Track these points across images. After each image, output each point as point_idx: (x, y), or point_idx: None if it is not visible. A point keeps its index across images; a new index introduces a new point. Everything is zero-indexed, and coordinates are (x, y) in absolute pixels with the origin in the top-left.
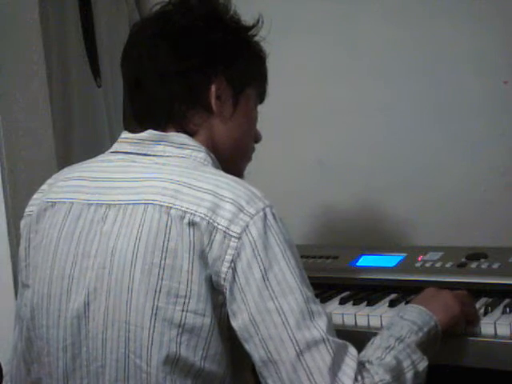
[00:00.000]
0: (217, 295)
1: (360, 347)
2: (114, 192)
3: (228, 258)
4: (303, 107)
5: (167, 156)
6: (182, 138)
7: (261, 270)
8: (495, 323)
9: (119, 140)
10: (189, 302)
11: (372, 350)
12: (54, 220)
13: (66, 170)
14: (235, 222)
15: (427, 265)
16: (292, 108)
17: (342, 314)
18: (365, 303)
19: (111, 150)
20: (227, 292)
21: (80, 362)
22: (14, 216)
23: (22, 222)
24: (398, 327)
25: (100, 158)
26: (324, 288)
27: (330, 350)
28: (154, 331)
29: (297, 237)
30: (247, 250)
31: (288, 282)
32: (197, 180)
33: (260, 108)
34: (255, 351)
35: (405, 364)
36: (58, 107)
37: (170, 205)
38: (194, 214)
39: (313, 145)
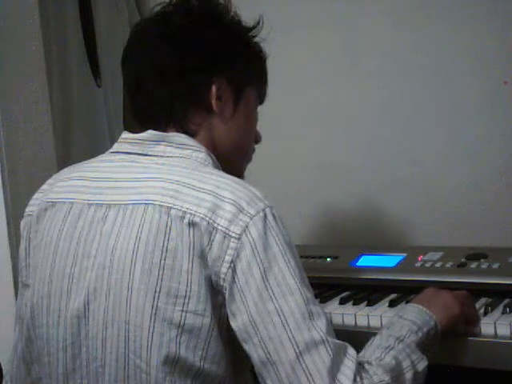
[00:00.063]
0: (216, 295)
1: (360, 347)
2: (115, 192)
3: (228, 258)
4: (303, 107)
5: (167, 156)
6: (182, 138)
7: (260, 271)
8: (495, 323)
9: (119, 140)
10: (188, 302)
11: (371, 350)
12: (54, 220)
13: (66, 169)
14: (235, 223)
15: (427, 265)
16: (292, 108)
17: (342, 314)
18: (365, 303)
19: (111, 150)
20: (227, 292)
21: (80, 362)
22: (14, 216)
23: (22, 222)
24: (398, 327)
25: (100, 158)
26: (324, 288)
27: (330, 351)
28: (153, 331)
29: (297, 237)
30: (247, 251)
31: (288, 283)
32: (197, 180)
33: (260, 108)
34: (254, 352)
35: (404, 364)
36: (58, 107)
37: (170, 205)
38: (194, 215)
39: (313, 145)
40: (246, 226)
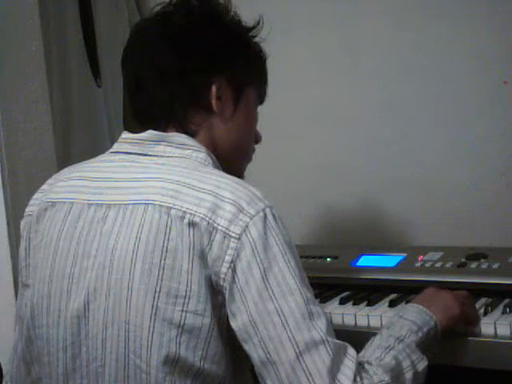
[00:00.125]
0: (216, 295)
1: (360, 347)
2: (115, 192)
3: (228, 258)
4: (303, 107)
5: (168, 156)
6: (182, 138)
7: (260, 271)
8: (495, 323)
9: (120, 140)
10: (188, 302)
11: (371, 350)
12: (54, 220)
13: (66, 169)
14: (235, 223)
15: (427, 265)
16: (292, 108)
17: (342, 314)
18: (365, 303)
19: (112, 150)
20: (227, 292)
21: (80, 362)
22: (14, 216)
23: (22, 222)
24: (398, 327)
25: (100, 158)
26: (324, 288)
27: (330, 351)
28: (153, 331)
29: (297, 237)
30: (247, 251)
31: (288, 283)
32: (197, 180)
33: (260, 108)
34: (254, 352)
35: (404, 364)
36: (58, 107)
37: (170, 205)
38: (194, 215)
39: (313, 145)
40: (246, 226)
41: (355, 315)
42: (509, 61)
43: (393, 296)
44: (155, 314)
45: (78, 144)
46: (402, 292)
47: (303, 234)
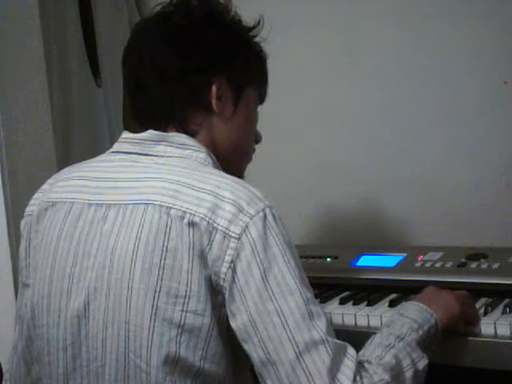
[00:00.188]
0: (216, 295)
1: (360, 347)
2: (115, 192)
3: (227, 258)
4: (303, 107)
5: (168, 156)
6: (182, 138)
7: (260, 271)
8: (495, 323)
9: (120, 140)
10: (188, 302)
11: (371, 349)
12: (54, 220)
13: (66, 169)
14: (235, 223)
15: (427, 265)
16: (292, 108)
17: (342, 314)
18: (365, 303)
19: (112, 149)
20: (226, 292)
21: (80, 362)
22: (14, 216)
23: (23, 222)
24: (398, 325)
25: (100, 157)
26: (324, 288)
27: (329, 351)
28: (153, 331)
29: (297, 237)
30: (247, 251)
31: (287, 283)
32: (197, 180)
33: (260, 108)
34: (254, 352)
35: (404, 363)
36: (58, 107)
37: (170, 205)
38: (194, 215)
39: (313, 145)
40: (246, 226)
41: (355, 315)
42: (509, 61)
43: (393, 296)
44: (155, 313)
45: (78, 144)
46: (402, 292)
47: (303, 233)
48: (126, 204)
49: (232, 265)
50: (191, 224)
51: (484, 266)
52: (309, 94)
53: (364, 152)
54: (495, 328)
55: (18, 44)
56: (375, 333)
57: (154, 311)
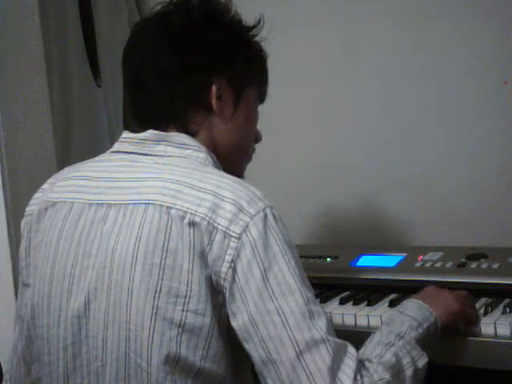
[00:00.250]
0: (217, 295)
1: (360, 347)
2: (115, 192)
3: (228, 258)
4: (303, 107)
5: (168, 156)
6: (182, 138)
7: (260, 270)
8: (495, 323)
9: (120, 140)
10: (189, 302)
11: (372, 347)
12: (54, 219)
13: (66, 169)
14: (235, 222)
15: (427, 265)
16: (292, 108)
17: (342, 314)
18: (365, 303)
19: (112, 149)
20: (227, 292)
21: (80, 362)
22: (14, 216)
23: (23, 222)
24: (398, 323)
25: (101, 157)
26: (324, 288)
27: (330, 350)
28: (154, 331)
29: (297, 237)
30: (247, 250)
31: (288, 283)
32: (197, 180)
33: (260, 108)
34: (255, 351)
35: (404, 361)
36: (58, 107)
37: (171, 205)
38: (195, 214)
39: (313, 145)
40: (247, 226)
41: (355, 315)
42: (509, 61)
43: (393, 296)
44: (156, 313)
45: (78, 144)
46: (402, 292)
47: (303, 233)
48: (126, 204)
49: (232, 264)
50: (192, 224)
51: (484, 265)
52: (309, 94)
53: (364, 152)
54: (495, 328)
55: (18, 44)
56: (375, 333)
57: (154, 311)
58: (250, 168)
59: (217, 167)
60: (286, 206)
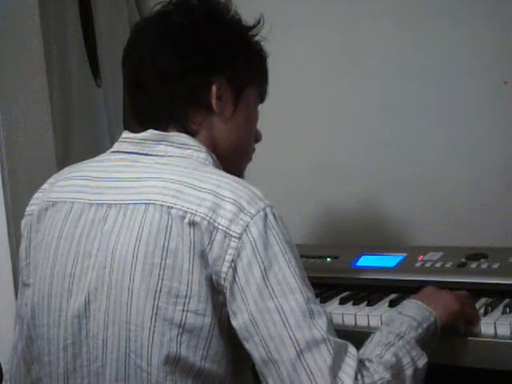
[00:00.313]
0: (217, 295)
1: (360, 347)
2: (115, 192)
3: (228, 257)
4: (303, 107)
5: (168, 156)
6: (183, 137)
7: (261, 270)
8: (495, 323)
9: (120, 140)
10: (189, 302)
11: (372, 347)
12: (54, 219)
13: (66, 169)
14: (236, 222)
15: (427, 265)
16: (292, 108)
17: (342, 314)
18: (365, 303)
19: (112, 149)
20: (227, 292)
21: (80, 362)
22: (14, 216)
23: (23, 222)
24: (398, 323)
25: (101, 157)
26: (324, 288)
27: (331, 350)
28: (154, 331)
29: (297, 237)
30: (247, 250)
31: (288, 282)
32: (198, 180)
33: (260, 107)
34: (255, 350)
35: (404, 361)
36: (58, 107)
37: (171, 205)
38: (195, 214)
39: (313, 145)
40: (247, 226)
41: (355, 315)
42: (509, 61)
43: (393, 296)
44: (156, 313)
45: (78, 144)
46: (402, 292)
47: (303, 233)
48: (126, 204)
49: (233, 264)
50: (192, 224)
51: (484, 265)
52: (309, 94)
53: (364, 152)
54: (495, 328)
55: (18, 44)
56: (375, 333)
57: (154, 311)
58: (250, 168)
59: (217, 167)
60: (286, 206)
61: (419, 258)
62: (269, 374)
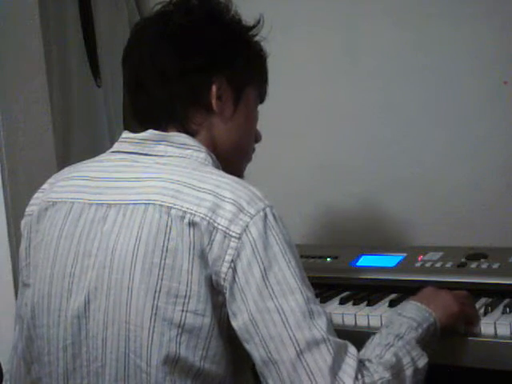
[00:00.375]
0: (217, 295)
1: (360, 347)
2: (115, 192)
3: (228, 258)
4: (303, 107)
5: (168, 156)
6: (182, 137)
7: (261, 270)
8: (495, 323)
9: (120, 140)
10: (188, 302)
11: (371, 348)
12: (54, 219)
13: (66, 169)
14: (235, 222)
15: (427, 265)
16: (292, 108)
17: (342, 314)
18: (365, 303)
19: (112, 149)
20: (227, 292)
21: (80, 362)
22: (14, 216)
23: (23, 222)
24: (397, 324)
25: (101, 157)
26: (324, 288)
27: (331, 350)
28: (153, 331)
29: (297, 237)
30: (247, 250)
31: (288, 282)
32: (197, 180)
33: (260, 108)
34: (256, 351)
35: (404, 361)
36: (58, 107)
37: (171, 205)
38: (195, 214)
39: (313, 145)
40: (247, 226)
41: (355, 315)
42: (509, 61)
43: (393, 296)
44: (155, 313)
45: (78, 144)
46: (401, 292)
47: (303, 233)
48: (126, 204)
49: (232, 264)
50: (192, 224)
51: (484, 265)
52: (309, 94)
53: (364, 152)
54: (495, 328)
55: (18, 44)
56: (375, 333)
57: (154, 311)
58: (250, 168)
59: (217, 167)
60: (286, 206)
61: (419, 258)
62: (269, 375)
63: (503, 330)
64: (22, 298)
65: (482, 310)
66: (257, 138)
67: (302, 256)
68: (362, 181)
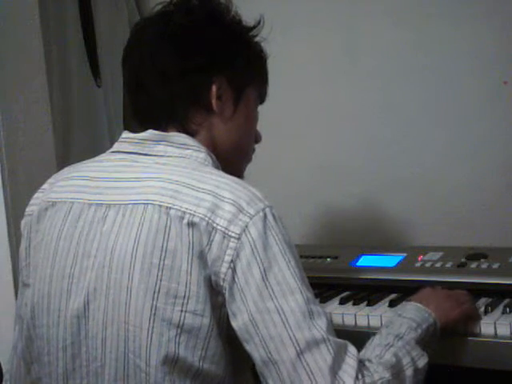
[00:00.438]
0: (216, 296)
1: (360, 347)
2: (114, 192)
3: (227, 258)
4: (303, 108)
5: (168, 156)
6: (182, 138)
7: (260, 270)
8: (495, 323)
9: (120, 140)
10: (187, 303)
11: (371, 349)
12: (54, 219)
13: (66, 169)
14: (234, 223)
15: (427, 265)
16: (292, 108)
17: (342, 314)
18: (365, 303)
19: (112, 149)
20: (227, 292)
21: (80, 362)
22: (14, 216)
23: (23, 222)
24: (397, 325)
25: (100, 157)
26: (324, 288)
27: (331, 350)
28: (152, 331)
29: (297, 237)
30: (246, 251)
31: (288, 283)
32: (197, 180)
33: (260, 108)
34: (255, 351)
35: (404, 361)
36: (58, 107)
37: (170, 205)
38: (194, 215)
39: (313, 145)
40: (246, 226)
41: (355, 315)
42: (509, 61)
43: (393, 296)
44: (154, 314)
45: (78, 144)
46: (402, 292)
47: (303, 233)
48: (125, 204)
49: (232, 265)
50: (191, 224)
51: (484, 265)
52: (309, 94)
53: (364, 152)
54: (495, 328)
55: (18, 44)
56: (375, 333)
57: (153, 311)
58: (250, 168)
59: (216, 167)
60: (286, 206)
61: (419, 258)
62: (269, 375)
63: (503, 330)
64: (22, 298)
65: (481, 310)
66: (257, 138)
67: (301, 256)
68: (362, 181)
